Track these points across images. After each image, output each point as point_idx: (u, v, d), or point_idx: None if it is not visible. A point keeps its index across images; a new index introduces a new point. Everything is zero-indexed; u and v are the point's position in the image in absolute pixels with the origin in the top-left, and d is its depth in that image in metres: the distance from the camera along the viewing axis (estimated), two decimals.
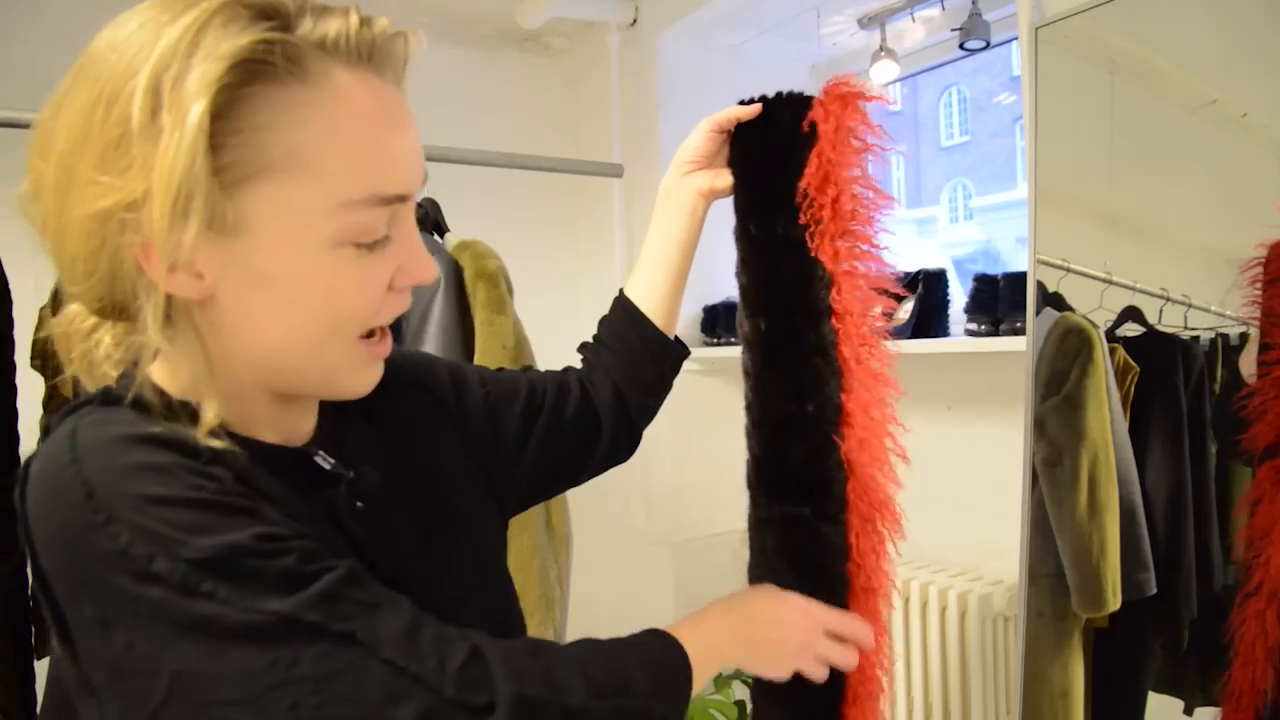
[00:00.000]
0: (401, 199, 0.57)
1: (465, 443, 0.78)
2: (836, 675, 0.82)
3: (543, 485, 0.88)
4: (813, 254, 0.85)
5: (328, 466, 0.63)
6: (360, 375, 0.62)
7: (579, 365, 0.93)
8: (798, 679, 0.76)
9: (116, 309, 0.56)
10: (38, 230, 0.56)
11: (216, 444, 0.54)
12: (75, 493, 0.50)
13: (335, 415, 0.68)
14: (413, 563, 0.60)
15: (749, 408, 0.91)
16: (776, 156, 0.88)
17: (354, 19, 0.55)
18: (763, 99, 0.90)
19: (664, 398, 0.95)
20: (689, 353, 0.97)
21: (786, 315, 0.87)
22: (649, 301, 0.92)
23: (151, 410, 0.55)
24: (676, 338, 0.94)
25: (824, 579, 0.87)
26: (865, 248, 0.86)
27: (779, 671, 0.75)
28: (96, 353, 0.59)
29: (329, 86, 0.53)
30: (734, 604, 0.75)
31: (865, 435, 0.85)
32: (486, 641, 0.55)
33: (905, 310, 1.87)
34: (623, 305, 0.93)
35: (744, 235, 0.90)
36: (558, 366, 0.94)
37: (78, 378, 0.60)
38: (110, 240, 0.52)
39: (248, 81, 0.51)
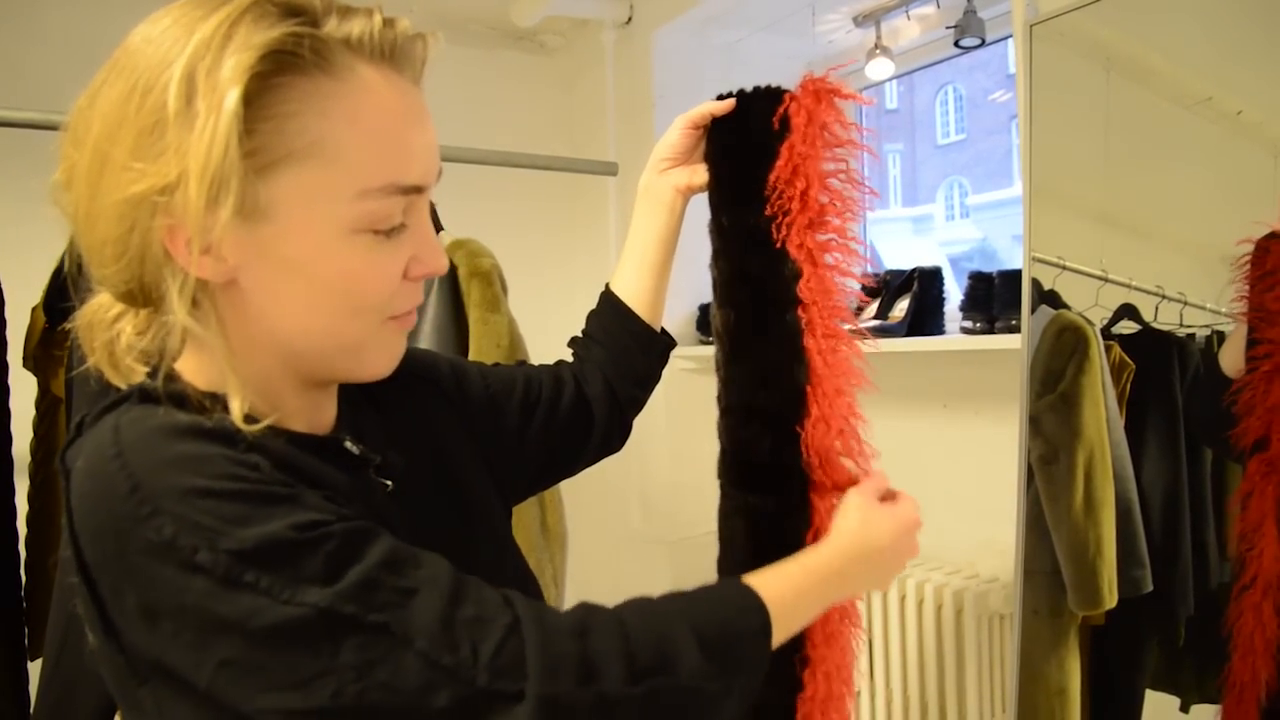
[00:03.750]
0: (418, 190, 0.60)
1: (469, 433, 0.80)
2: (794, 674, 0.84)
3: (540, 475, 0.90)
4: (780, 245, 0.85)
5: (356, 451, 0.65)
6: (384, 354, 0.64)
7: (569, 359, 0.95)
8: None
9: (143, 293, 0.58)
10: (68, 217, 0.58)
11: (254, 428, 0.55)
12: (120, 486, 0.51)
13: (350, 405, 0.70)
14: (443, 542, 0.61)
15: (719, 398, 0.92)
16: (749, 150, 0.88)
17: (377, 19, 0.58)
18: (738, 94, 0.90)
19: (653, 388, 0.97)
20: (675, 343, 0.98)
21: (754, 305, 0.87)
22: (635, 296, 0.94)
23: (187, 403, 0.57)
24: (663, 329, 0.96)
25: None
26: (836, 240, 0.86)
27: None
28: (118, 343, 0.61)
29: (353, 80, 0.56)
30: (841, 540, 0.75)
31: (830, 425, 0.84)
32: (528, 614, 0.55)
33: (901, 308, 1.87)
34: (609, 301, 0.94)
35: (717, 228, 0.91)
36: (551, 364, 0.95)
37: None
38: (141, 223, 0.54)
39: (278, 72, 0.53)
